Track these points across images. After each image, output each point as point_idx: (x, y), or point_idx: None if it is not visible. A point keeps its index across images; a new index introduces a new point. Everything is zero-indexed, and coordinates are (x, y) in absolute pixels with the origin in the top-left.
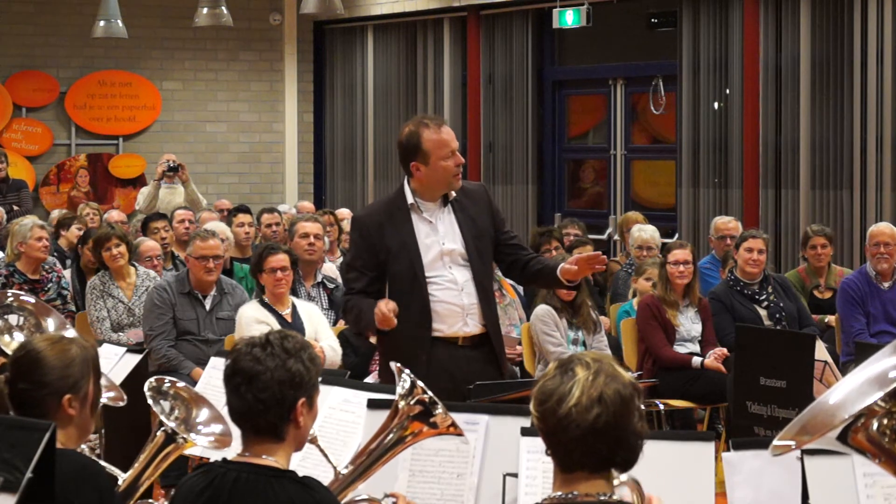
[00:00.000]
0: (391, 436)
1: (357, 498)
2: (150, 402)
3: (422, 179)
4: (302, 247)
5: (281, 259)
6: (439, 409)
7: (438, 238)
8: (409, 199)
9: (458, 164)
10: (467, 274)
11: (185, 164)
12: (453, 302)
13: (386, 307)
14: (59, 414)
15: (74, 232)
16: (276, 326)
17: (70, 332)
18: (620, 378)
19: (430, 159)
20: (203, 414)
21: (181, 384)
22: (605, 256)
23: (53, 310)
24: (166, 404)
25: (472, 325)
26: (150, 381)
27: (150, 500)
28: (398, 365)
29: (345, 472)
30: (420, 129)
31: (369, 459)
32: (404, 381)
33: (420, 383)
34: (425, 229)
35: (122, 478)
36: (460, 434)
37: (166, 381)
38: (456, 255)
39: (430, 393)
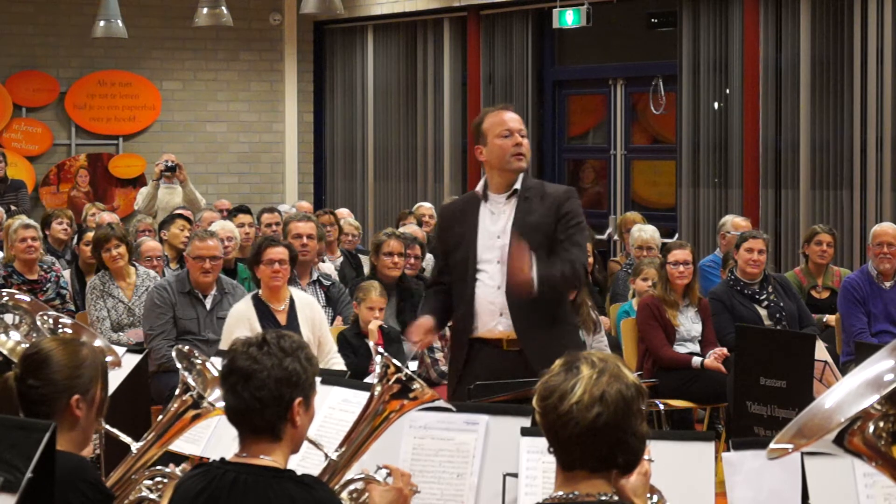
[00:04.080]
0: (376, 416)
1: (354, 477)
2: (177, 364)
3: (486, 163)
4: (295, 247)
5: (279, 252)
6: (416, 385)
7: (496, 230)
8: (480, 188)
9: (515, 143)
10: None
11: (184, 164)
12: (489, 299)
13: (416, 325)
14: (66, 414)
15: (57, 228)
16: (258, 328)
17: (98, 342)
18: (624, 378)
19: (487, 139)
20: (214, 395)
21: (209, 364)
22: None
23: (48, 308)
24: (189, 375)
25: (504, 326)
26: (182, 347)
27: (166, 469)
28: (374, 345)
29: (335, 456)
30: (485, 114)
31: (359, 440)
32: (379, 363)
33: (395, 362)
34: (488, 221)
35: (135, 446)
36: (439, 398)
37: (198, 357)
38: (506, 249)
39: (406, 370)
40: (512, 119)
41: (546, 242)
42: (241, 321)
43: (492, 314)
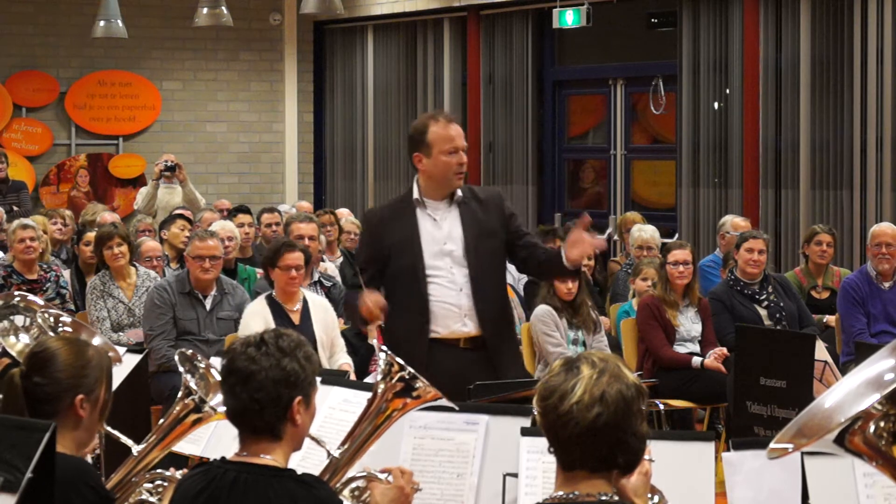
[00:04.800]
0: (378, 413)
1: (356, 475)
2: (179, 367)
3: (423, 172)
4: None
5: (297, 257)
6: (419, 384)
7: (442, 236)
8: (416, 194)
9: (459, 162)
10: (466, 274)
11: (184, 164)
12: (451, 302)
13: (370, 298)
14: (70, 413)
15: (51, 228)
16: (273, 325)
17: (96, 339)
18: (625, 379)
19: (431, 152)
20: (216, 399)
21: (212, 368)
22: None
23: (59, 310)
24: (191, 379)
25: (470, 326)
26: (185, 351)
27: (166, 472)
28: (377, 344)
29: (337, 454)
30: (429, 121)
31: (361, 437)
32: (383, 360)
33: (398, 360)
34: (429, 226)
35: (136, 449)
36: (441, 397)
37: (201, 360)
38: (457, 254)
39: (409, 368)
40: (459, 136)
41: (499, 245)
42: (256, 317)
43: (456, 316)
